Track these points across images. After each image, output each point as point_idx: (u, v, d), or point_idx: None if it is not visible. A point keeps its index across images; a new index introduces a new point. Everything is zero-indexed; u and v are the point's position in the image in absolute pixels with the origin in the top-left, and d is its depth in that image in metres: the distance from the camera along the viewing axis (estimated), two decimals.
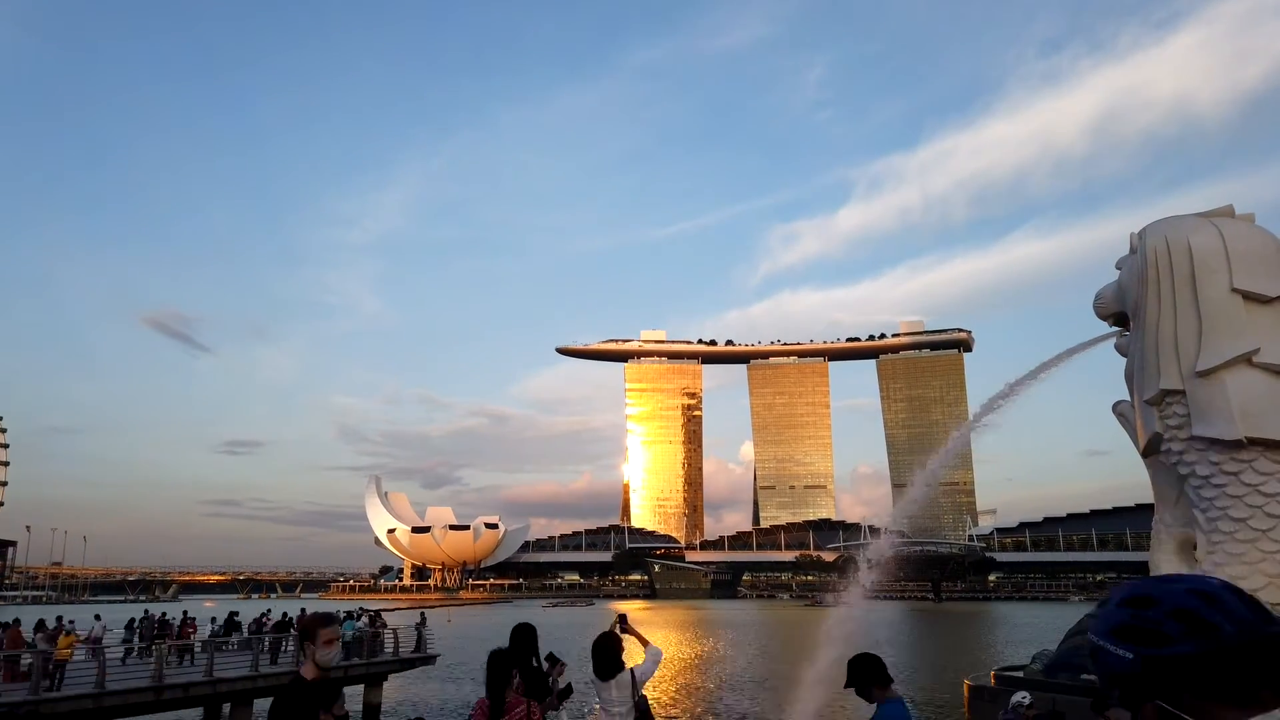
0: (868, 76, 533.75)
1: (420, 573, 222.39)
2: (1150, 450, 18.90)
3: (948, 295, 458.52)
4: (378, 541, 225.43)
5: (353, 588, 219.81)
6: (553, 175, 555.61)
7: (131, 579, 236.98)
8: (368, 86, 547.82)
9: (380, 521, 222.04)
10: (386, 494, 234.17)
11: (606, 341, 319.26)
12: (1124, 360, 20.06)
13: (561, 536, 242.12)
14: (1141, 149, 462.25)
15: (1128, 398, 19.87)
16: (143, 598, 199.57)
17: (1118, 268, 19.87)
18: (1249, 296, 17.22)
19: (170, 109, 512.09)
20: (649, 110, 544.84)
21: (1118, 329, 20.42)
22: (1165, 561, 18.70)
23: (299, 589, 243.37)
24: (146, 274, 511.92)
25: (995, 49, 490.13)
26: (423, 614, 42.47)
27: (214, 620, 35.97)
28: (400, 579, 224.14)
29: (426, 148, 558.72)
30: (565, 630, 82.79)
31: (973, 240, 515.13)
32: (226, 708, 28.80)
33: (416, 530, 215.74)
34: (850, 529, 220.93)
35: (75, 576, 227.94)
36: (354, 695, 35.31)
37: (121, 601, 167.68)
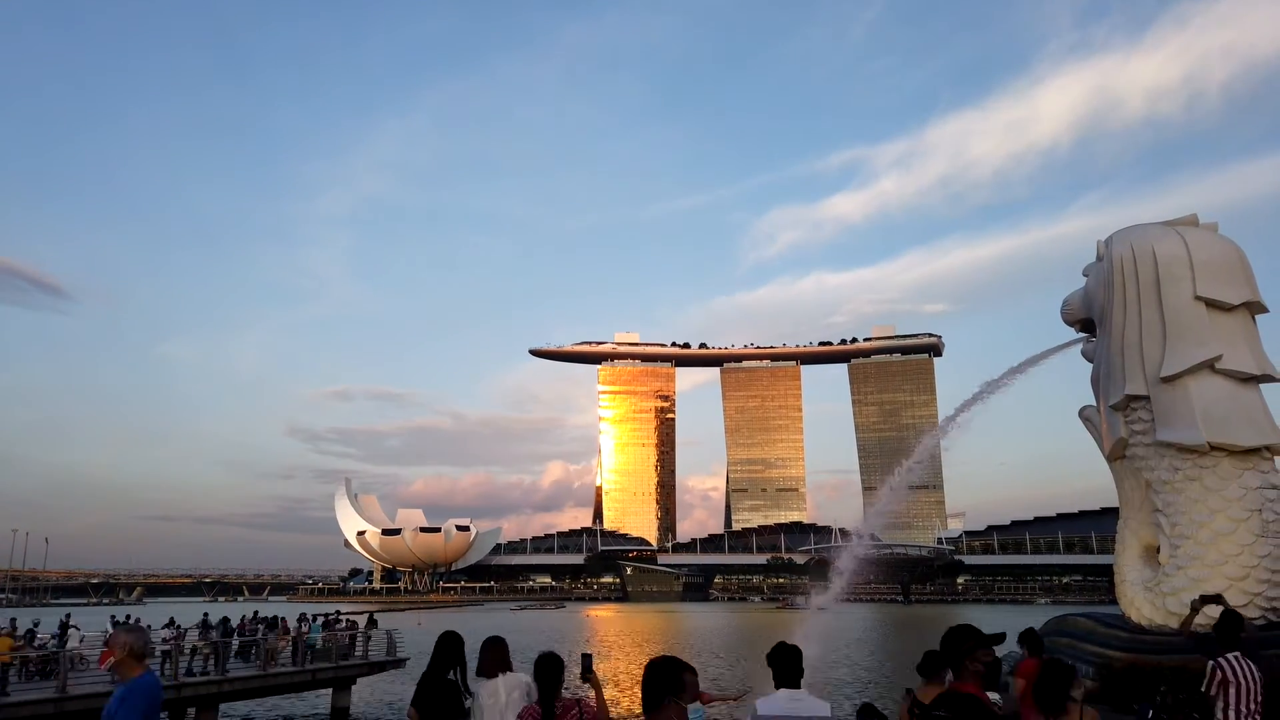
0: (928, 22, 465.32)
1: (390, 575, 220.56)
2: (1116, 455, 19.19)
3: (946, 287, 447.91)
4: (347, 544, 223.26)
5: (321, 590, 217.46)
6: (547, 135, 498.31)
7: (95, 581, 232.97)
8: (340, 26, 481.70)
9: (350, 523, 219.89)
10: (357, 495, 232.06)
11: (580, 344, 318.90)
12: (1090, 365, 20.38)
13: (534, 539, 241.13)
14: (1160, 137, 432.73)
15: (1094, 403, 20.17)
16: (106, 600, 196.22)
17: (1085, 274, 20.18)
18: (1212, 304, 17.54)
19: (111, 60, 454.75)
20: (662, 54, 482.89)
21: (1085, 335, 20.74)
22: (1130, 564, 18.99)
23: (266, 592, 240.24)
24: (109, 255, 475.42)
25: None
26: (371, 616, 41.76)
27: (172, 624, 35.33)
28: (370, 582, 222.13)
29: (408, 100, 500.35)
30: (525, 636, 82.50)
31: (979, 228, 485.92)
32: (192, 712, 28.38)
33: (387, 533, 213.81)
34: (821, 532, 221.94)
35: (37, 578, 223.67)
36: (322, 699, 34.97)
37: (84, 604, 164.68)
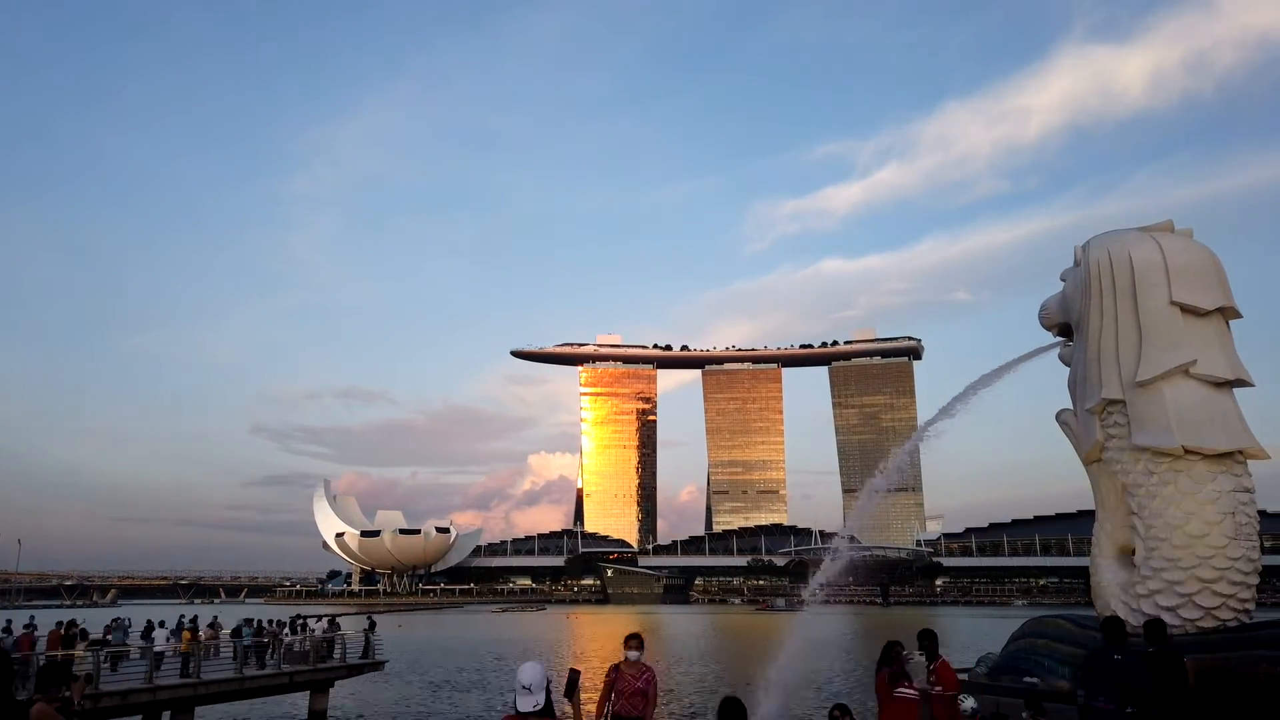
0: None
1: (369, 577, 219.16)
2: (1092, 458, 19.38)
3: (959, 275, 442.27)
4: (326, 545, 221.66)
5: (299, 592, 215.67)
6: (541, 108, 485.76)
7: (68, 584, 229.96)
8: None
9: (328, 525, 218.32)
10: (336, 497, 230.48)
11: (561, 345, 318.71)
12: (1068, 369, 20.58)
13: (514, 541, 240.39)
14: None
15: (1071, 406, 20.37)
16: (79, 603, 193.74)
17: (1062, 279, 20.38)
18: (1187, 309, 17.76)
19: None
20: (668, 21, 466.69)
21: (1062, 339, 20.94)
22: (1105, 567, 19.17)
23: (243, 594, 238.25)
24: (71, 240, 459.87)
25: None
26: (334, 619, 41.31)
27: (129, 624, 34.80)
28: (349, 584, 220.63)
29: (397, 64, 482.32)
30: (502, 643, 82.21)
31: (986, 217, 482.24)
32: (167, 715, 28.06)
33: (366, 534, 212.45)
34: (802, 534, 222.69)
35: (9, 580, 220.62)
36: (299, 701, 34.68)
37: (57, 606, 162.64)
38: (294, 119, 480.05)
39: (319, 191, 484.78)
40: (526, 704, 6.54)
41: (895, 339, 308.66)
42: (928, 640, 11.98)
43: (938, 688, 11.51)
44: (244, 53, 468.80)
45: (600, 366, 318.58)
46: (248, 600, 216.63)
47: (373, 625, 38.39)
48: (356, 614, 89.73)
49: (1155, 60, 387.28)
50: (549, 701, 6.66)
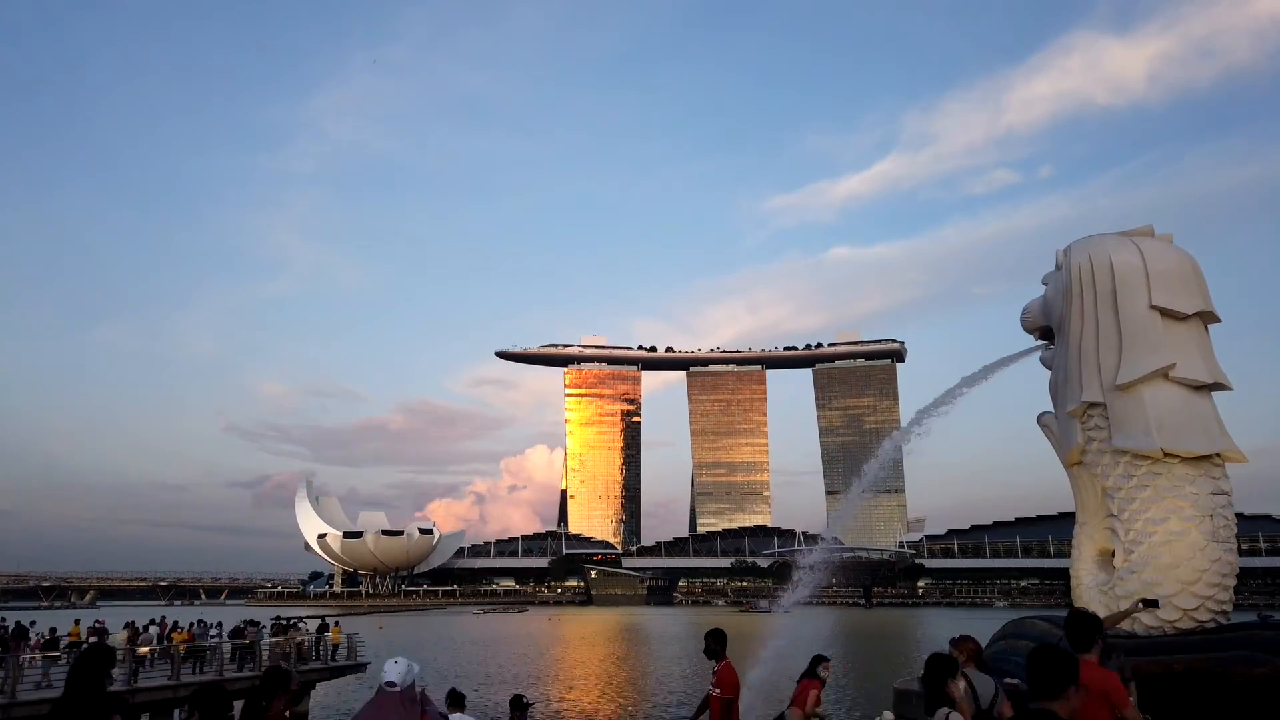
0: None
1: (351, 579, 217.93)
2: (1073, 461, 19.54)
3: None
4: (307, 546, 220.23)
5: (280, 594, 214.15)
6: (537, 84, 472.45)
7: (45, 585, 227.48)
8: None
9: (310, 526, 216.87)
10: (318, 498, 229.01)
11: (546, 346, 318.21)
12: (1049, 372, 20.75)
13: (497, 542, 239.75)
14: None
15: (1052, 409, 20.53)
16: (58, 604, 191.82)
17: (1044, 283, 20.54)
18: (1166, 313, 17.95)
19: None
20: None
21: (1043, 342, 21.11)
22: (1085, 568, 19.33)
23: (224, 595, 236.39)
24: (57, 221, 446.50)
25: None
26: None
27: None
28: (331, 585, 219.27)
29: (387, 29, 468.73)
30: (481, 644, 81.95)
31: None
32: (146, 717, 27.82)
33: (348, 535, 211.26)
34: (785, 535, 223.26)
35: None
36: None
37: (35, 608, 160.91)
38: (279, 89, 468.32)
39: (301, 169, 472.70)
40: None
41: (879, 341, 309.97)
42: (714, 640, 11.55)
43: (716, 689, 11.17)
44: (221, 20, 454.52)
45: (585, 367, 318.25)
46: (228, 602, 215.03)
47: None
48: (340, 615, 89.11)
49: (1165, 49, 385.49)
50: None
